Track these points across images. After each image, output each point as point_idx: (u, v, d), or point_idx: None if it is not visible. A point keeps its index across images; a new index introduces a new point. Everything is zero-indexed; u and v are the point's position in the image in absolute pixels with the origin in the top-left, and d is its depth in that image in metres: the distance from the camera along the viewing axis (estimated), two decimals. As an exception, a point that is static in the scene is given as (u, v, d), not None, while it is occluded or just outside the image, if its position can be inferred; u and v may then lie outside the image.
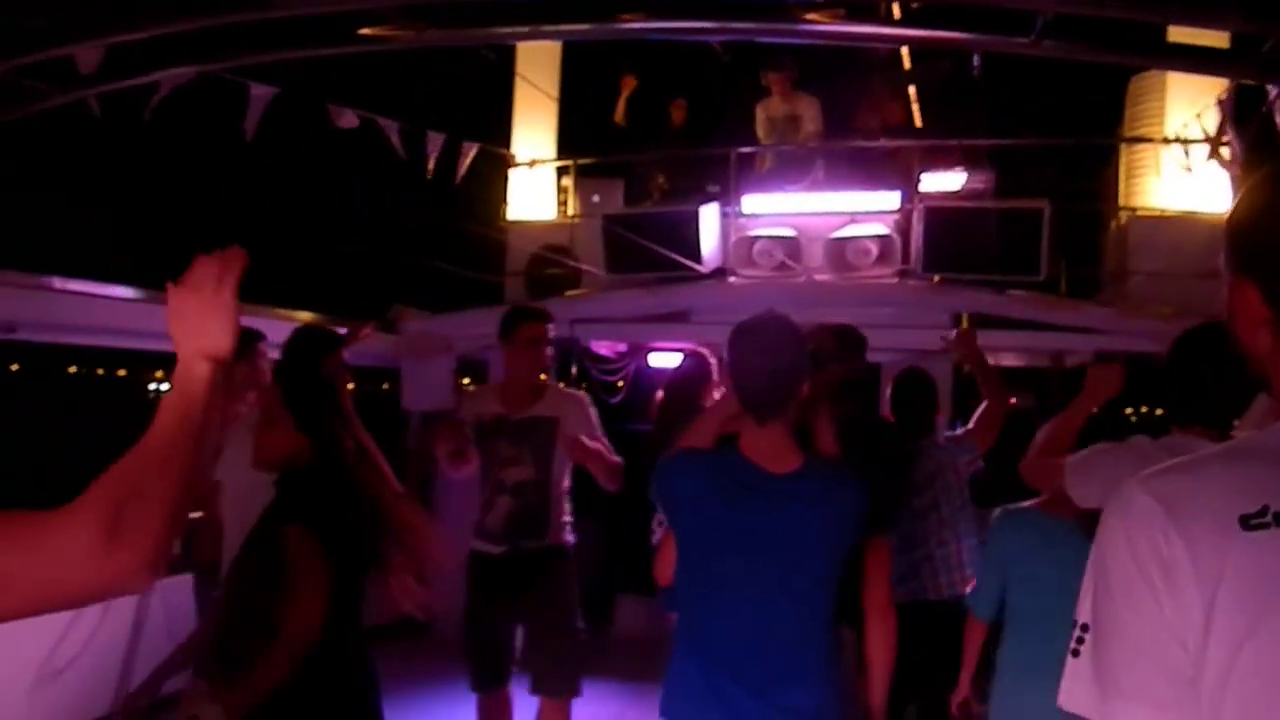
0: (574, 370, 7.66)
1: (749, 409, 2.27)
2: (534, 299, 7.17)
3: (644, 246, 6.40)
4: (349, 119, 4.85)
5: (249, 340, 4.38)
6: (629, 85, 7.74)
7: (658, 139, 7.72)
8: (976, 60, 4.12)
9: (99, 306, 5.19)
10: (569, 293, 6.98)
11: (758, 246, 6.55)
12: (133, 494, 1.11)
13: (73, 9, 2.74)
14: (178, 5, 2.42)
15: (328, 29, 2.68)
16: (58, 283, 4.85)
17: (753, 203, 6.72)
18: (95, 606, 3.97)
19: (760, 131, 7.35)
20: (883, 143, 7.02)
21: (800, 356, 2.28)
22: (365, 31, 2.50)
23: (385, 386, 7.23)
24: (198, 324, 1.22)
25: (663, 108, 7.80)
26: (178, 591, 4.76)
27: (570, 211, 7.52)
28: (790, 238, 6.51)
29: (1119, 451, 2.32)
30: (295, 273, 5.69)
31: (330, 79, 4.67)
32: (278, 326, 4.63)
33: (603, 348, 7.33)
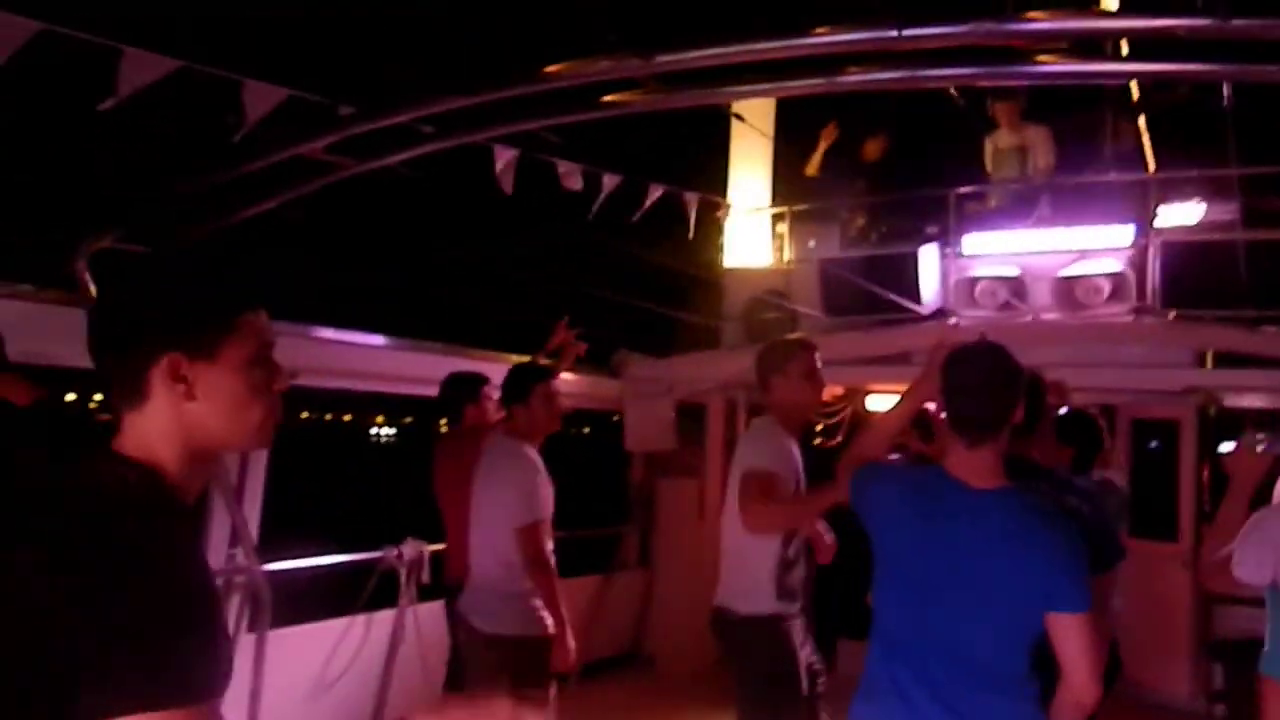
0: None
1: (960, 431, 2.33)
2: (752, 343, 7.31)
3: (862, 289, 6.42)
4: (574, 179, 5.14)
5: (476, 384, 4.76)
6: (829, 136, 7.76)
7: (855, 180, 7.70)
8: (1227, 90, 3.90)
9: (355, 353, 5.75)
10: (787, 337, 7.05)
11: (980, 286, 6.42)
12: None
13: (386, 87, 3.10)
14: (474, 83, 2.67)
15: (570, 98, 2.91)
16: (322, 332, 5.41)
17: (974, 243, 6.60)
18: (358, 628, 4.38)
19: (989, 164, 7.21)
20: (1115, 176, 6.73)
21: (1015, 383, 2.33)
22: (608, 99, 2.72)
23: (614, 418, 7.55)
24: None
25: (858, 146, 7.77)
26: (430, 615, 5.17)
27: (786, 256, 7.62)
28: (1014, 277, 6.34)
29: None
30: (522, 321, 6.04)
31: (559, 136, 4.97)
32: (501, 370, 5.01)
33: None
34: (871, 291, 6.46)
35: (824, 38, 2.13)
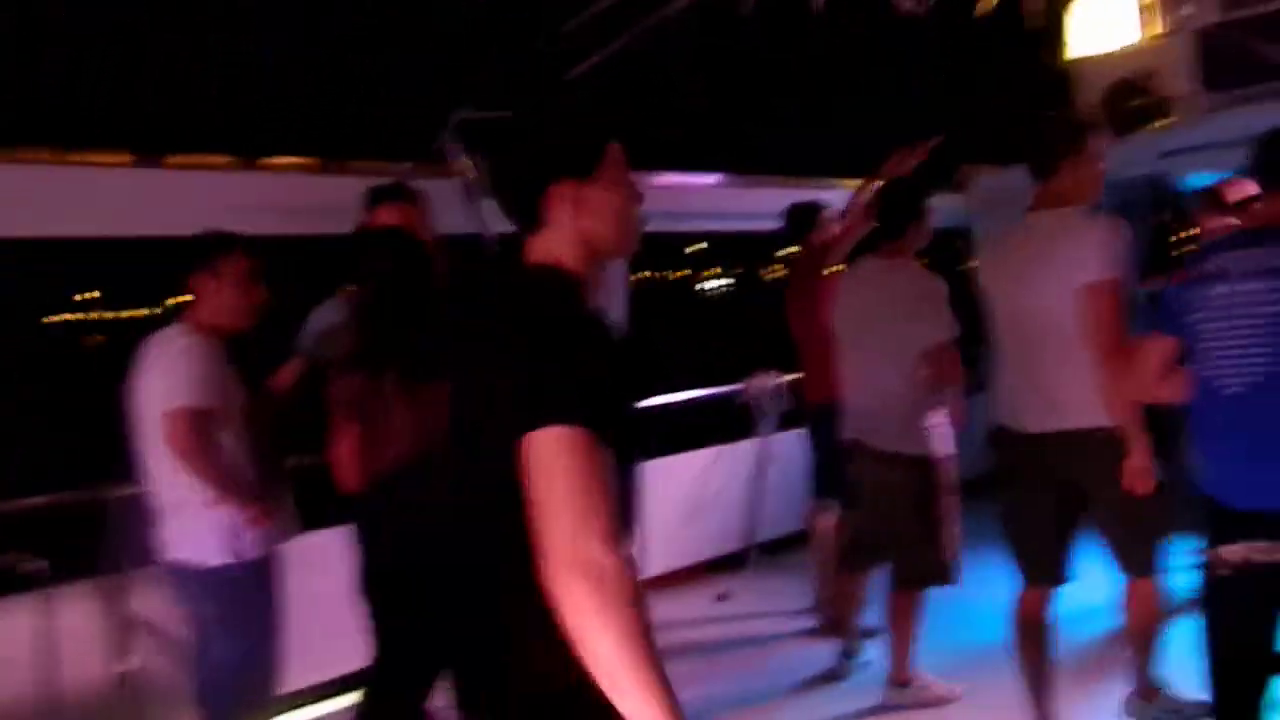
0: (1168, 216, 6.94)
1: None
2: (1118, 136, 6.57)
3: (1254, 53, 5.50)
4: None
5: (813, 211, 4.71)
6: None
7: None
8: None
9: (693, 196, 5.84)
10: (1158, 123, 6.27)
11: None
12: None
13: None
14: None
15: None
16: (661, 178, 5.52)
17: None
18: (725, 457, 4.59)
19: None
20: None
21: None
22: None
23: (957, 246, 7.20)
24: None
25: None
26: (791, 442, 5.30)
27: (1156, 31, 6.68)
28: None
29: None
30: (855, 144, 5.83)
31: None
32: (837, 196, 4.88)
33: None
34: (1264, 56, 5.53)
35: None
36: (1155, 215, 7.08)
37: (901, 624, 3.89)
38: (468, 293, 1.64)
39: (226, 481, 3.02)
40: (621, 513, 1.37)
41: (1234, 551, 2.41)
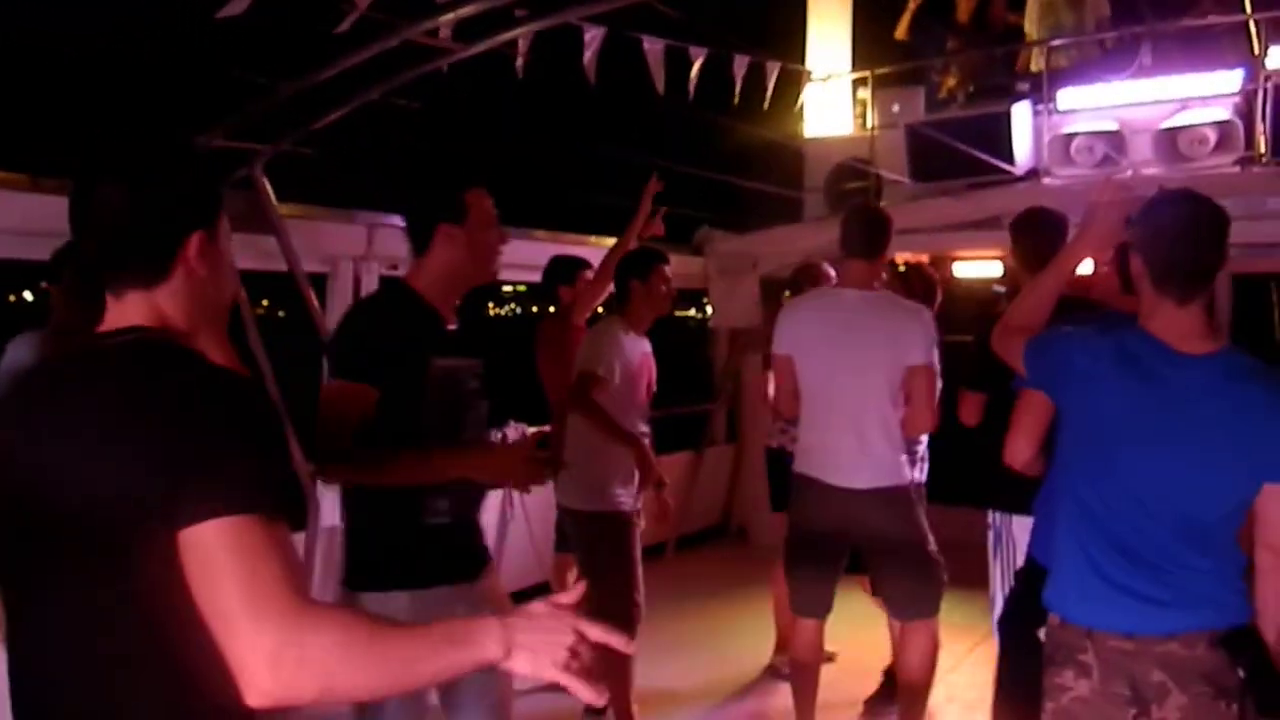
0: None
1: (1169, 285, 2.12)
2: (836, 214, 7.20)
3: (951, 152, 6.24)
4: (657, 50, 5.02)
5: (574, 267, 4.81)
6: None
7: (945, 40, 7.41)
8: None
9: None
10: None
11: (1076, 143, 6.20)
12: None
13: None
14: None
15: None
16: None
17: (1070, 97, 6.35)
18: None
19: (1033, 21, 6.85)
20: (1214, 18, 6.37)
21: (1226, 228, 2.14)
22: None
23: (692, 311, 7.58)
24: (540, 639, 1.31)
25: (949, 8, 7.44)
26: (536, 493, 5.32)
27: (869, 123, 7.43)
28: (1113, 131, 6.11)
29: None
30: (609, 203, 6.03)
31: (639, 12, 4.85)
32: (597, 253, 5.02)
33: (906, 258, 7.26)
34: (960, 154, 6.27)
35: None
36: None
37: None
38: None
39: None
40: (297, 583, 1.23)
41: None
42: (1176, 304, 2.14)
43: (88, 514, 1.21)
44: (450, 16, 3.01)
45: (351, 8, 2.90)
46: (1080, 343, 2.28)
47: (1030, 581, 2.79)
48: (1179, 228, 2.14)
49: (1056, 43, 6.67)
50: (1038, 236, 3.48)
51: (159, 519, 1.18)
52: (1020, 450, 2.62)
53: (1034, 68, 6.86)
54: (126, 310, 1.37)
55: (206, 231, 1.41)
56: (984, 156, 6.15)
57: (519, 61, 3.73)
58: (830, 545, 3.69)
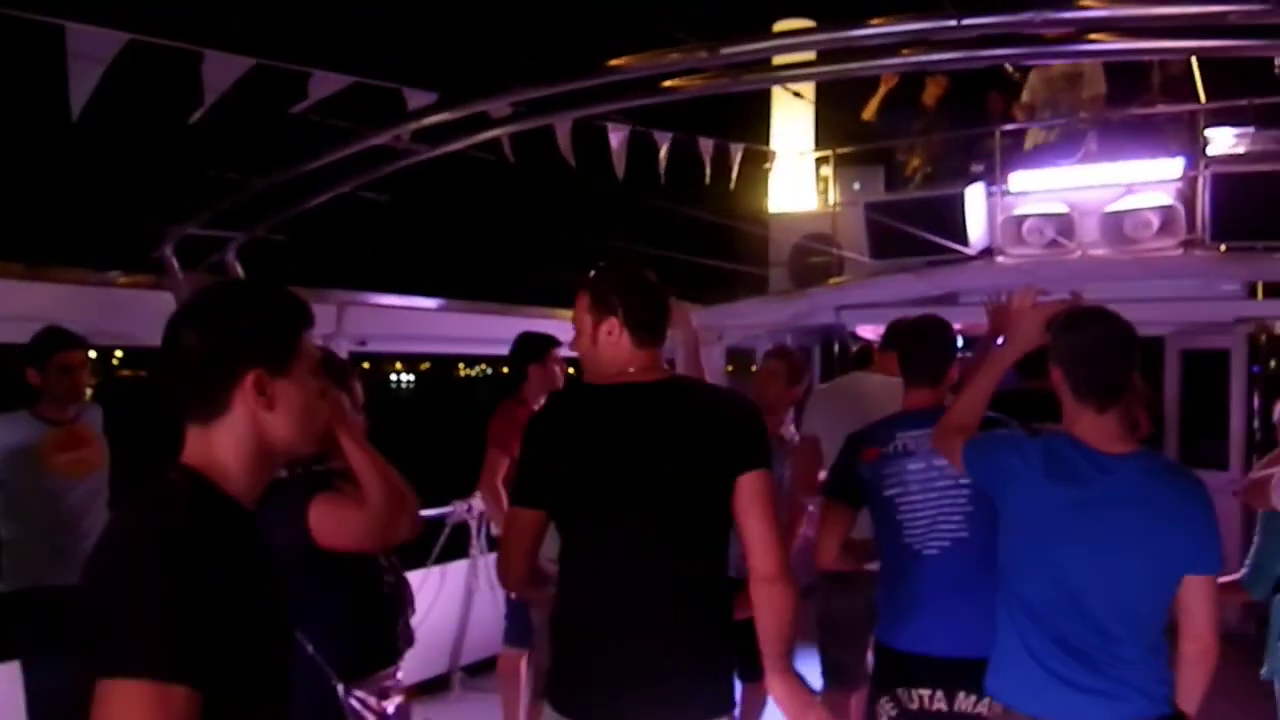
0: (836, 354, 7.84)
1: (1089, 396, 2.31)
2: (798, 288, 7.41)
3: (908, 231, 6.46)
4: (621, 135, 5.19)
5: (545, 345, 4.79)
6: (889, 81, 7.66)
7: (912, 122, 7.66)
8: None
9: (416, 318, 5.94)
10: (833, 280, 7.16)
11: (1028, 225, 6.45)
12: None
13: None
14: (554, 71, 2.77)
15: (633, 84, 2.99)
16: (384, 299, 5.60)
17: (1021, 180, 6.61)
18: (433, 579, 4.61)
19: (1034, 92, 7.06)
20: (1163, 108, 6.65)
21: (1136, 344, 2.32)
22: (668, 84, 2.82)
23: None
24: None
25: (916, 91, 7.70)
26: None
27: (831, 200, 7.67)
28: (1062, 214, 6.36)
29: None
30: (577, 278, 6.13)
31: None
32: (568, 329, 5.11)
33: (867, 331, 7.45)
34: (918, 234, 6.50)
35: (884, 28, 2.21)
36: (834, 355, 7.99)
37: None
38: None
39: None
40: None
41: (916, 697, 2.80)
42: (1095, 412, 2.33)
43: None
44: (413, 125, 3.15)
45: (319, 109, 3.04)
46: (1013, 446, 2.46)
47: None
48: (1094, 349, 2.33)
49: (1009, 127, 6.93)
50: (911, 346, 3.22)
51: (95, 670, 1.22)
52: (826, 551, 2.98)
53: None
54: (187, 445, 1.41)
55: (268, 369, 1.41)
56: (938, 239, 6.36)
57: (499, 155, 3.88)
58: None
